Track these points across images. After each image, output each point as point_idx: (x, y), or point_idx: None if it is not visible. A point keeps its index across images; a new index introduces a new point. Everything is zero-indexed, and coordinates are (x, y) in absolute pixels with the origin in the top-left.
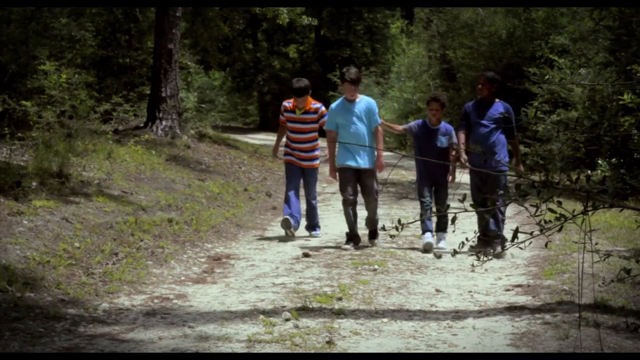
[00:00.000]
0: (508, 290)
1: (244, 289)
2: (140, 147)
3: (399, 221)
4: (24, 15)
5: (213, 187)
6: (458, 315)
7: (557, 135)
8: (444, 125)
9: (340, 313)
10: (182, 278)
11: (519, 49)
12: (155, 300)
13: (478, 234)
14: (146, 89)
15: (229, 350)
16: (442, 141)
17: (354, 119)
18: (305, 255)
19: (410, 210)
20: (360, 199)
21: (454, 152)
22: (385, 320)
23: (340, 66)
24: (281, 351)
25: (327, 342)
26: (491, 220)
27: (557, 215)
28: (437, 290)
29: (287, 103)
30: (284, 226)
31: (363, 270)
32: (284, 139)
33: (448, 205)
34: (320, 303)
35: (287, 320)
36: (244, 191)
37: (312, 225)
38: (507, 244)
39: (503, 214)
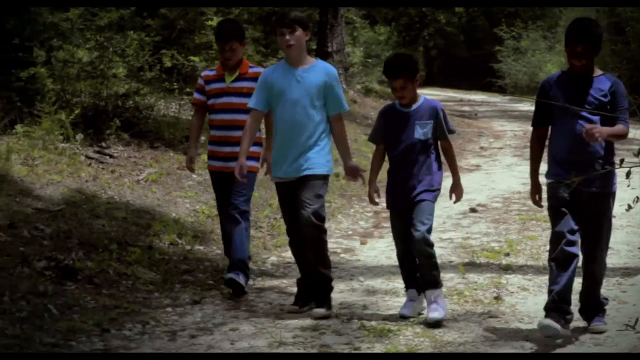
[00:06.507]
0: None
1: None
2: None
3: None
4: None
5: None
6: (627, 272)
7: None
8: (424, 103)
9: (507, 269)
10: (350, 232)
11: None
12: None
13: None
14: (312, 44)
15: (397, 304)
16: (419, 130)
17: (296, 95)
18: (473, 210)
19: None
20: None
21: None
22: None
23: (506, 20)
24: (448, 306)
25: (495, 298)
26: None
27: None
28: None
29: (210, 72)
30: (228, 285)
31: (531, 226)
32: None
33: (429, 244)
34: (487, 258)
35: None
36: None
37: (240, 263)
38: None
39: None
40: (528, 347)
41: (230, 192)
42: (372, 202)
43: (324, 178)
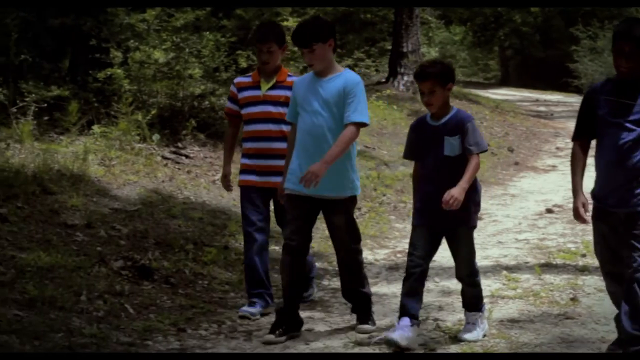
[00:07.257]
0: None
1: (487, 244)
2: (382, 102)
3: None
4: None
5: None
6: None
7: None
8: (454, 116)
9: (584, 270)
10: None
11: None
12: (398, 255)
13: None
14: (387, 44)
15: None
16: (448, 146)
17: (316, 105)
18: (549, 211)
19: None
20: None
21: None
22: None
23: (582, 20)
24: (524, 307)
25: (571, 299)
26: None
27: None
28: None
29: (244, 78)
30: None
31: None
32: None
33: (473, 275)
34: (564, 259)
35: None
36: None
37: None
38: None
39: None
40: (605, 349)
41: (274, 212)
42: None
43: (351, 199)
